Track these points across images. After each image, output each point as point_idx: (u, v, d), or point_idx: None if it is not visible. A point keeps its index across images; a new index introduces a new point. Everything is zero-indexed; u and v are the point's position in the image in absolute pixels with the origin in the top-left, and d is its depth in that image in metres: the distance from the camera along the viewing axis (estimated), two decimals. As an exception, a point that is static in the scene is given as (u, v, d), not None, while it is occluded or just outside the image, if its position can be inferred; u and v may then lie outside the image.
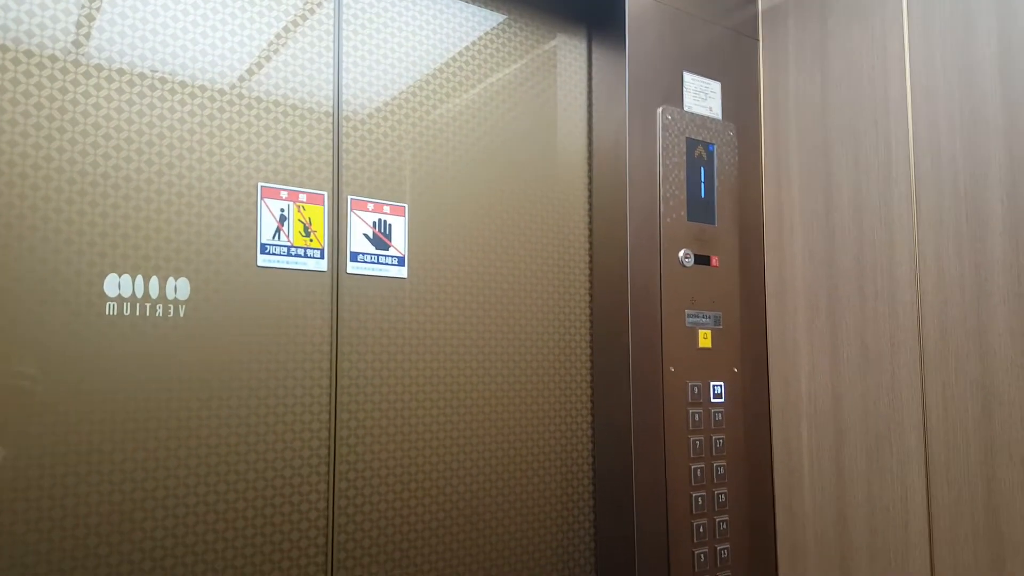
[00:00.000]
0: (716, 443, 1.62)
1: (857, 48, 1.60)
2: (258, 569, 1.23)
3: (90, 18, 1.15)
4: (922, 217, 1.47)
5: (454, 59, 1.52)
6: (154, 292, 1.17)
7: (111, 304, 1.14)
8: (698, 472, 1.59)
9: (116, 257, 1.14)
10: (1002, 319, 1.33)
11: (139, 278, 1.16)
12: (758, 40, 1.81)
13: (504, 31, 1.60)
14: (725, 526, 1.62)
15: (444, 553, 1.43)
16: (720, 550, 1.60)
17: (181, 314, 1.19)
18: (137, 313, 1.15)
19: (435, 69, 1.49)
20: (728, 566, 1.61)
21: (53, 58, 1.12)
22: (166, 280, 1.18)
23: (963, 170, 1.40)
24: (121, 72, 1.17)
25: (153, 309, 1.17)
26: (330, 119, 1.36)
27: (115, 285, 1.14)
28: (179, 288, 1.19)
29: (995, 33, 1.37)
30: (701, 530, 1.58)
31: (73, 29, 1.14)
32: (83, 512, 1.10)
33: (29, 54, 1.11)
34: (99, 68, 1.16)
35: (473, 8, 1.56)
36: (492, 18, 1.59)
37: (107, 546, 1.12)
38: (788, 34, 1.75)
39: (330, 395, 1.32)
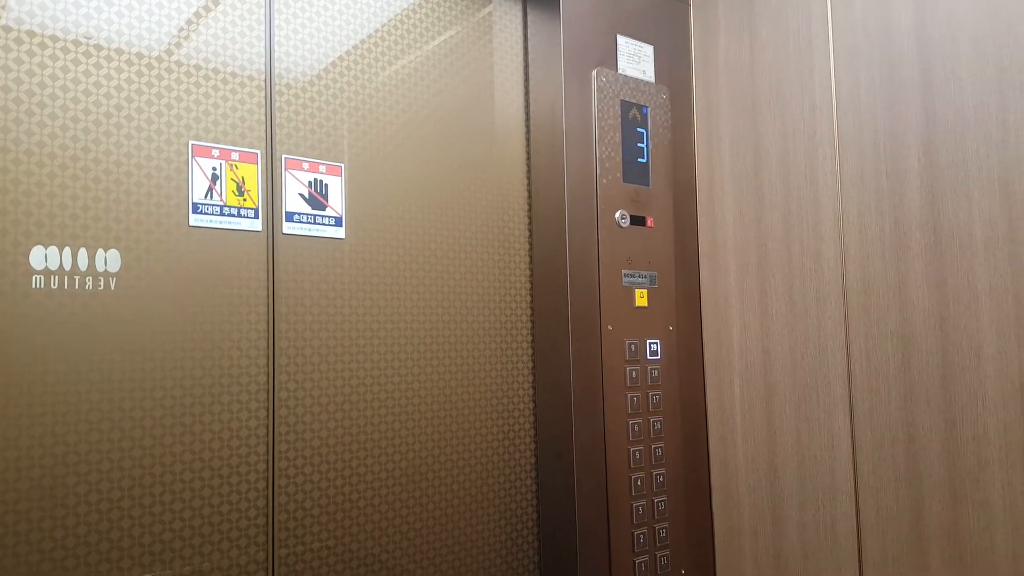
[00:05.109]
0: (653, 399, 1.67)
1: (783, 11, 1.65)
2: (197, 532, 1.23)
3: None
4: (845, 175, 1.52)
5: (392, 23, 1.51)
6: (83, 262, 1.14)
7: (38, 277, 1.11)
8: (636, 427, 1.63)
9: (47, 226, 1.11)
10: (919, 271, 1.40)
11: (67, 249, 1.13)
12: (689, 4, 1.84)
13: (439, -7, 1.60)
14: (662, 479, 1.67)
15: (387, 512, 1.44)
16: (657, 502, 1.65)
17: (112, 285, 1.17)
18: (66, 286, 1.13)
19: (373, 31, 1.48)
20: (665, 518, 1.66)
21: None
22: (95, 252, 1.15)
23: (883, 129, 1.46)
24: (55, 39, 1.14)
25: (83, 282, 1.14)
26: (262, 76, 1.34)
27: (42, 257, 1.11)
28: (109, 259, 1.16)
29: (912, -4, 1.42)
30: (639, 483, 1.62)
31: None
32: (11, 499, 1.08)
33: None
34: (31, 34, 1.12)
35: (407, -31, 1.55)
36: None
37: (39, 532, 1.10)
38: (718, -2, 1.78)
39: (268, 357, 1.31)
